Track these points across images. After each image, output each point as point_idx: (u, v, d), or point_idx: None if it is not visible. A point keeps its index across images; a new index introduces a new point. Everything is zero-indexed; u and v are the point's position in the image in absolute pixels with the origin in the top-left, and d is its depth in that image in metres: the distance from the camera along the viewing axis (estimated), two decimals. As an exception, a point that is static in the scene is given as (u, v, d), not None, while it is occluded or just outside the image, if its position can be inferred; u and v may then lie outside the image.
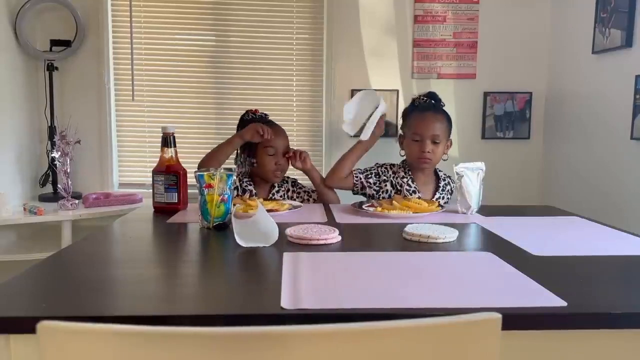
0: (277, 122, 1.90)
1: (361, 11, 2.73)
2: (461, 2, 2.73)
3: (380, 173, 1.81)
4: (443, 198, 1.79)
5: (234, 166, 1.86)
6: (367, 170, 1.82)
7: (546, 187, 2.82)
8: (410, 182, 1.78)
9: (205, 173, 1.24)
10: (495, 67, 2.78)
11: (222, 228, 1.23)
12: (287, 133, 1.89)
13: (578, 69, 2.51)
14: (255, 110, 1.89)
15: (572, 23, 2.57)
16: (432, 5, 2.73)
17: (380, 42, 2.75)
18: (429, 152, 1.71)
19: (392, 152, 1.92)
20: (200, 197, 1.24)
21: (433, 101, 1.79)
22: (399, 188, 1.77)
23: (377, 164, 1.85)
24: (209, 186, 1.23)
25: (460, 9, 2.74)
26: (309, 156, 1.83)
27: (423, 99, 1.80)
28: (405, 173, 1.79)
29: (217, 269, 0.95)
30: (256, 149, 1.80)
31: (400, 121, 1.91)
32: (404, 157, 1.84)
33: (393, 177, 1.79)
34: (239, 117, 1.92)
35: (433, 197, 1.78)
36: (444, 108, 1.81)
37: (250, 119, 1.86)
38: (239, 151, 1.85)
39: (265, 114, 1.90)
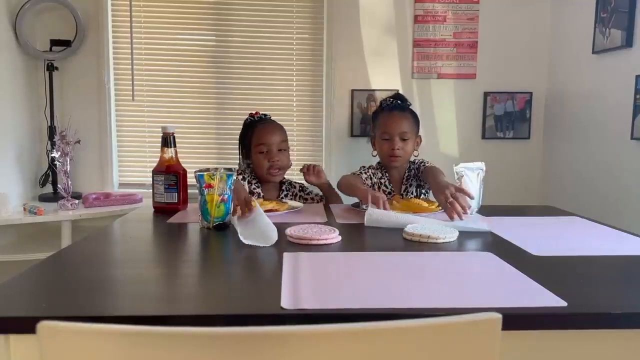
0: (276, 121, 1.90)
1: (361, 11, 2.73)
2: (461, 2, 2.73)
3: (366, 176, 1.83)
4: (411, 185, 1.80)
5: (234, 166, 1.86)
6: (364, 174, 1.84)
7: (546, 187, 2.82)
8: (387, 183, 1.82)
9: (205, 173, 1.24)
10: (495, 67, 2.78)
11: (222, 228, 1.23)
12: (285, 130, 1.86)
13: (578, 69, 2.51)
14: (256, 112, 1.88)
15: (572, 23, 2.57)
16: (432, 5, 2.73)
17: (380, 42, 2.75)
18: (398, 149, 1.75)
19: (365, 153, 1.95)
20: (200, 197, 1.24)
21: (399, 101, 1.86)
22: (377, 189, 1.80)
23: (362, 167, 1.85)
24: (209, 186, 1.23)
25: (460, 9, 2.74)
26: (323, 171, 1.84)
27: (390, 100, 1.87)
28: (382, 174, 1.82)
29: (217, 269, 0.95)
30: (250, 150, 1.79)
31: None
32: (377, 158, 1.88)
33: (373, 177, 1.82)
34: (239, 117, 1.93)
35: (401, 191, 1.80)
36: (410, 107, 1.88)
37: (249, 122, 1.85)
38: (240, 155, 1.86)
39: (265, 115, 1.90)
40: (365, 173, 1.80)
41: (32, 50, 2.54)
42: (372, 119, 1.95)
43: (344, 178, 1.73)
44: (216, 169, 1.26)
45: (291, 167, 1.87)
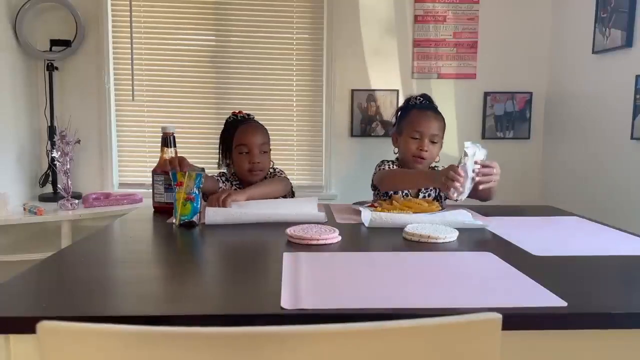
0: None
1: (361, 11, 2.73)
2: (461, 2, 2.73)
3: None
4: (430, 195, 1.75)
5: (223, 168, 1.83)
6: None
7: (546, 187, 2.82)
8: None
9: (178, 172, 1.27)
10: (495, 67, 2.78)
11: (189, 226, 1.25)
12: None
13: (578, 69, 2.51)
14: (239, 112, 1.85)
15: (572, 23, 2.57)
16: (432, 5, 2.73)
17: (380, 42, 2.75)
18: (427, 150, 1.70)
19: (375, 152, 1.90)
20: (173, 194, 1.28)
21: (428, 102, 1.79)
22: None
23: (384, 161, 1.82)
24: (180, 184, 1.25)
25: (460, 9, 2.74)
26: (230, 195, 1.44)
27: (419, 99, 1.80)
28: None
29: (217, 269, 0.95)
30: (231, 150, 1.76)
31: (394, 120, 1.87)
32: (396, 155, 1.82)
33: None
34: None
35: (417, 195, 1.75)
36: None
37: (232, 121, 1.82)
38: (219, 154, 1.83)
39: (249, 114, 1.86)
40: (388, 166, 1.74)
41: (32, 50, 2.54)
42: (399, 114, 1.82)
43: (389, 172, 1.67)
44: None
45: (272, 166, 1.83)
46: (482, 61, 2.78)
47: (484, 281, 0.83)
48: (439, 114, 1.77)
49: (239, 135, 1.74)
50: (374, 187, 1.78)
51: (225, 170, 1.82)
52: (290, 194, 1.79)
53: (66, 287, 0.80)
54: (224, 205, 1.40)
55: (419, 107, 1.76)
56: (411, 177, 1.65)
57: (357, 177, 1.87)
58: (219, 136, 1.84)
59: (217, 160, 1.84)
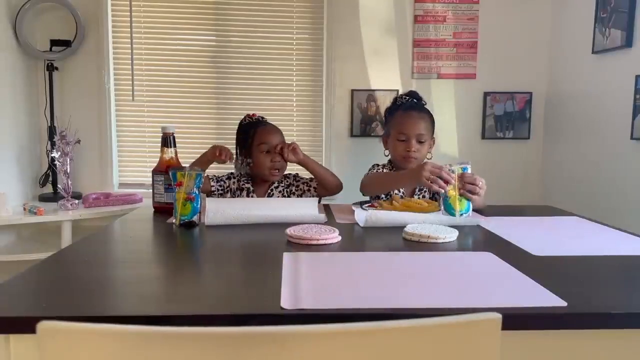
0: (276, 122, 1.90)
1: (361, 11, 2.73)
2: (461, 2, 2.73)
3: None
4: (426, 190, 1.75)
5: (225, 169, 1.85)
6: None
7: (546, 187, 2.82)
8: None
9: (178, 172, 1.28)
10: (495, 67, 2.78)
11: (189, 226, 1.25)
12: (284, 133, 1.86)
13: (578, 69, 2.51)
14: (253, 114, 1.88)
15: (572, 23, 2.57)
16: (432, 5, 2.73)
17: (380, 42, 2.75)
18: (415, 151, 1.69)
19: (375, 152, 1.90)
20: (173, 194, 1.28)
21: (415, 100, 1.78)
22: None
23: (375, 165, 1.82)
24: (180, 184, 1.25)
25: (460, 9, 2.74)
26: (299, 147, 1.79)
27: (405, 98, 1.80)
28: None
29: (217, 269, 0.95)
30: (251, 149, 1.79)
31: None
32: (389, 157, 1.83)
33: None
34: (239, 117, 1.92)
35: (412, 195, 1.75)
36: (425, 106, 1.80)
37: (247, 123, 1.85)
38: (237, 154, 1.85)
39: (262, 117, 1.89)
40: (379, 170, 1.75)
41: (32, 50, 2.54)
42: (386, 116, 1.85)
43: (368, 178, 1.67)
44: (191, 167, 1.29)
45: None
46: (482, 61, 2.78)
47: (484, 281, 0.83)
48: (426, 112, 1.77)
49: (260, 135, 1.78)
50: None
51: (233, 171, 1.84)
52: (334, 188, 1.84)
53: (66, 287, 0.80)
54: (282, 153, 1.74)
55: (404, 109, 1.76)
56: (392, 178, 1.65)
57: (357, 177, 1.86)
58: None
59: (234, 159, 1.86)
